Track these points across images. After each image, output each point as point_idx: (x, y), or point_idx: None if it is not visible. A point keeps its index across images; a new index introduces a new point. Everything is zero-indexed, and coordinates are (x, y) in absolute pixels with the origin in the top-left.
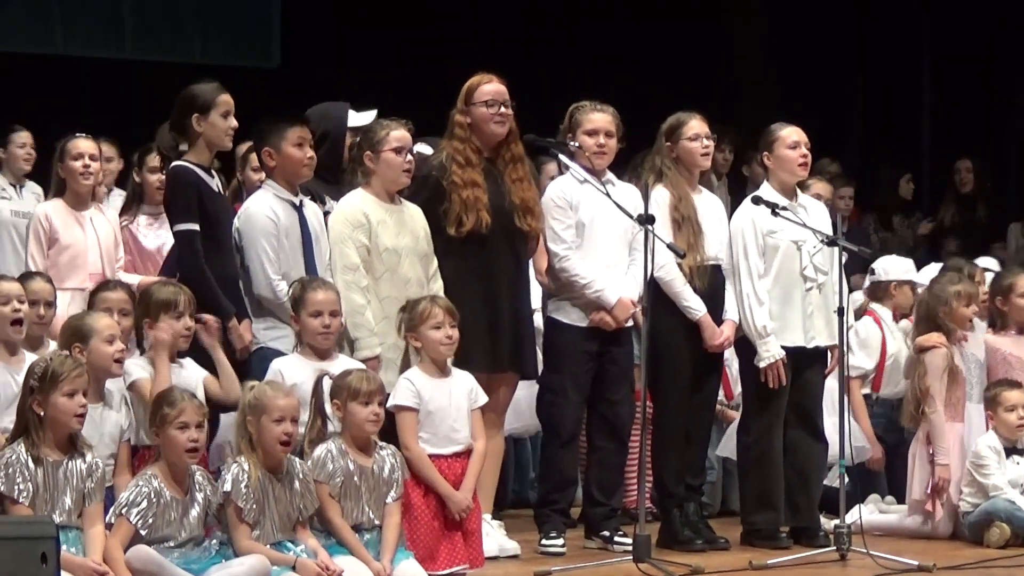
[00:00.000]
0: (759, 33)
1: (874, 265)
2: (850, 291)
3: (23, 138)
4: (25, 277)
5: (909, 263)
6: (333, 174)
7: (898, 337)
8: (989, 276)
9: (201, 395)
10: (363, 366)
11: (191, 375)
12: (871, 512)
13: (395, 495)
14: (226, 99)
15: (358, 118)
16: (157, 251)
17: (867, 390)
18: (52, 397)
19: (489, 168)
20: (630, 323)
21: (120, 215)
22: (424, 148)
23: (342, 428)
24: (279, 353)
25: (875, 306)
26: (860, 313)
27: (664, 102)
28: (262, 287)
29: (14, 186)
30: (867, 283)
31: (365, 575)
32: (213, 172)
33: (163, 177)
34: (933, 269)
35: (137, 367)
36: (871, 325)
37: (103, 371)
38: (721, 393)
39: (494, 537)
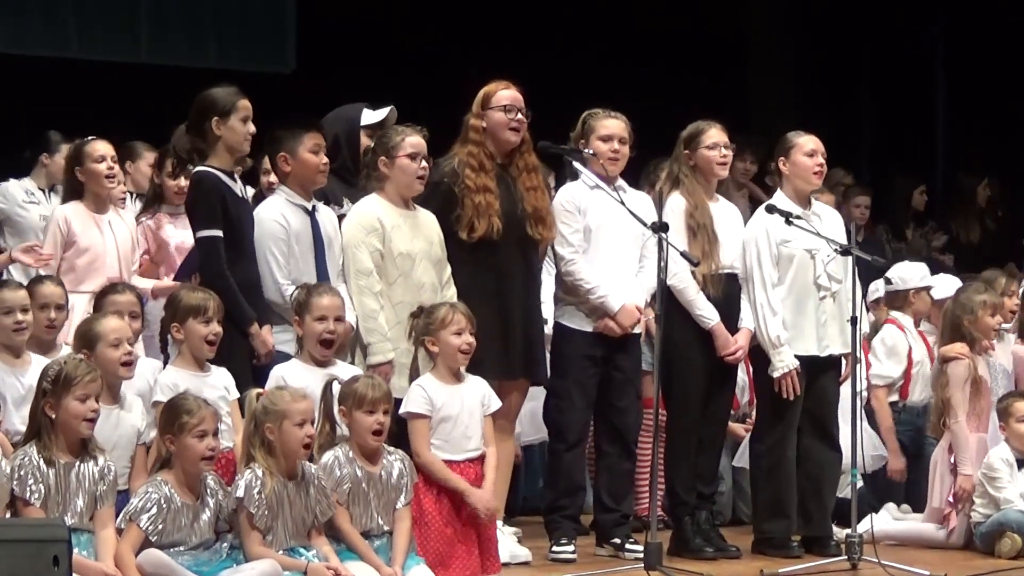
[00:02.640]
0: (774, 42)
1: (889, 274)
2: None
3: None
4: (35, 281)
5: (923, 268)
6: (352, 174)
7: (921, 344)
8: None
9: (225, 405)
10: (360, 371)
11: (217, 381)
12: (886, 520)
13: (404, 500)
14: (245, 104)
15: (371, 115)
16: (177, 248)
17: (894, 397)
18: (64, 401)
19: (502, 174)
20: (638, 329)
21: (140, 214)
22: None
23: (350, 434)
24: (289, 357)
25: (896, 314)
26: (879, 323)
27: (678, 110)
28: (270, 291)
29: (43, 191)
30: (883, 293)
31: None
32: (236, 177)
33: (180, 181)
34: (947, 278)
35: (169, 389)
36: (896, 333)
37: (111, 375)
38: None
39: (505, 544)
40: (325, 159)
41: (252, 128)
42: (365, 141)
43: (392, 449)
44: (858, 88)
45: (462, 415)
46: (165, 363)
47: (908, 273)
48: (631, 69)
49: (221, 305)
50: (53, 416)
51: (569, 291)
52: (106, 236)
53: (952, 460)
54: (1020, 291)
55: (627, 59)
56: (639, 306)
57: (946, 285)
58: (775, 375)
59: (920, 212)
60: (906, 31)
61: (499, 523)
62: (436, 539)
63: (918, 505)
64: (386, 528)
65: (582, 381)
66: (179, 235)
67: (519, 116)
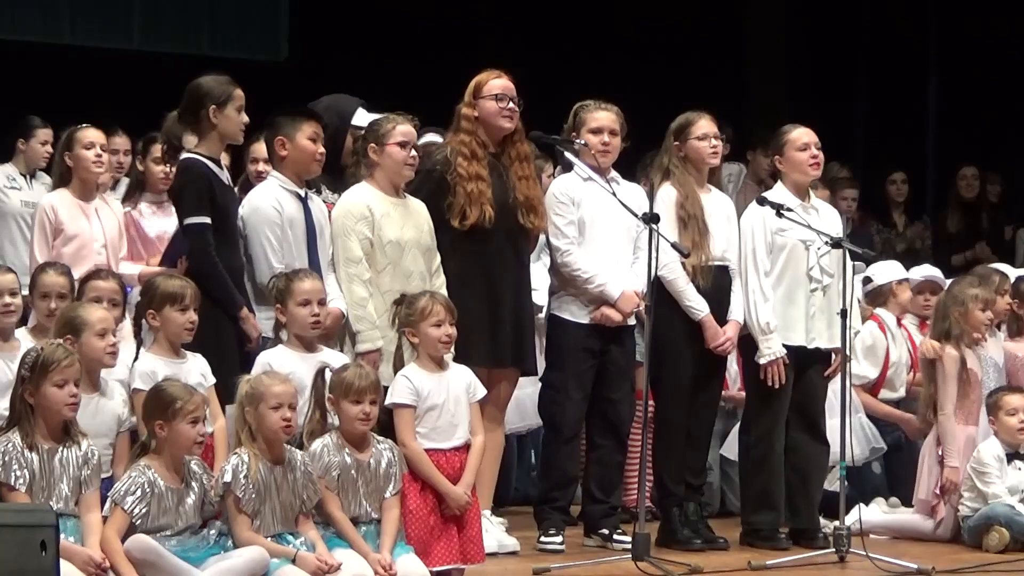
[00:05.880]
0: (771, 36)
1: (868, 273)
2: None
3: (45, 135)
4: (39, 270)
5: (898, 265)
6: (331, 165)
7: (900, 342)
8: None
9: (202, 390)
10: (348, 359)
11: (193, 367)
12: (874, 512)
13: (393, 490)
14: (240, 94)
15: (364, 117)
16: (158, 238)
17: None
18: (43, 387)
19: (494, 163)
20: (632, 320)
21: (122, 202)
22: (435, 137)
23: (339, 423)
24: (272, 341)
25: (879, 311)
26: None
27: (674, 102)
28: (264, 275)
29: (24, 176)
30: (863, 291)
31: (363, 568)
32: (223, 164)
33: (166, 168)
34: (926, 268)
35: (146, 376)
36: (876, 332)
37: (96, 363)
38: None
39: (493, 533)
40: (322, 149)
41: (246, 118)
42: (349, 142)
43: (381, 438)
44: (854, 83)
45: (448, 403)
46: (138, 349)
47: (885, 269)
48: (628, 63)
49: (198, 293)
50: (33, 402)
51: (566, 282)
52: (93, 224)
53: (940, 452)
54: (1010, 289)
55: (625, 53)
56: (638, 291)
57: (925, 271)
58: (761, 362)
59: (908, 204)
60: (901, 26)
61: (487, 513)
62: (419, 527)
63: (902, 498)
64: (374, 515)
65: (579, 373)
66: (162, 225)
67: (511, 104)
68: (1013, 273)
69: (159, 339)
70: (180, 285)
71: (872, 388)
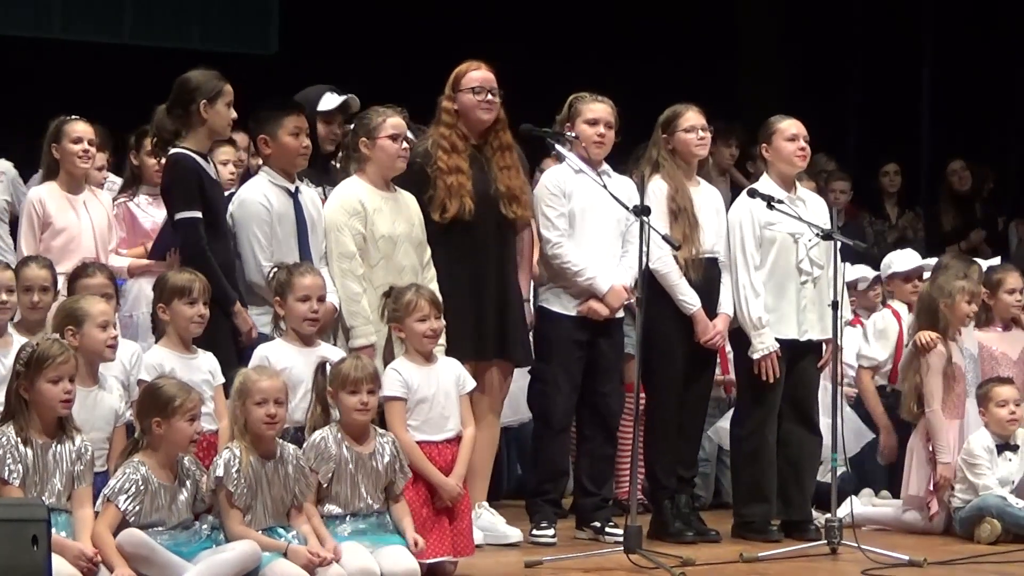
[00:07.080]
0: (763, 28)
1: (866, 274)
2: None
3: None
4: (22, 263)
5: (901, 254)
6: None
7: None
8: None
9: (209, 389)
10: (343, 353)
11: (203, 364)
12: (863, 505)
13: (402, 484)
14: (230, 89)
15: (331, 101)
16: (152, 230)
17: (883, 381)
18: (37, 383)
19: (475, 155)
20: (621, 314)
21: (119, 194)
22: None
23: (339, 415)
24: (268, 339)
25: (893, 302)
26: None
27: (667, 95)
28: (252, 273)
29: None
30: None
31: (368, 562)
32: (210, 159)
33: (160, 161)
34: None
35: (152, 368)
36: (890, 317)
37: (96, 356)
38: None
39: (495, 524)
40: (306, 142)
41: (234, 114)
42: (322, 128)
43: (382, 431)
44: (848, 76)
45: (438, 396)
46: (157, 342)
47: (886, 262)
48: (622, 59)
49: (207, 286)
50: (27, 398)
51: (555, 275)
52: (81, 217)
53: (930, 448)
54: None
55: (618, 49)
56: (627, 286)
57: (907, 260)
58: (755, 356)
59: (902, 197)
60: (894, 19)
61: (485, 504)
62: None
63: (899, 491)
64: (375, 507)
65: (567, 366)
66: (157, 217)
67: (489, 97)
68: (984, 263)
69: (169, 333)
70: (188, 279)
71: (890, 375)
